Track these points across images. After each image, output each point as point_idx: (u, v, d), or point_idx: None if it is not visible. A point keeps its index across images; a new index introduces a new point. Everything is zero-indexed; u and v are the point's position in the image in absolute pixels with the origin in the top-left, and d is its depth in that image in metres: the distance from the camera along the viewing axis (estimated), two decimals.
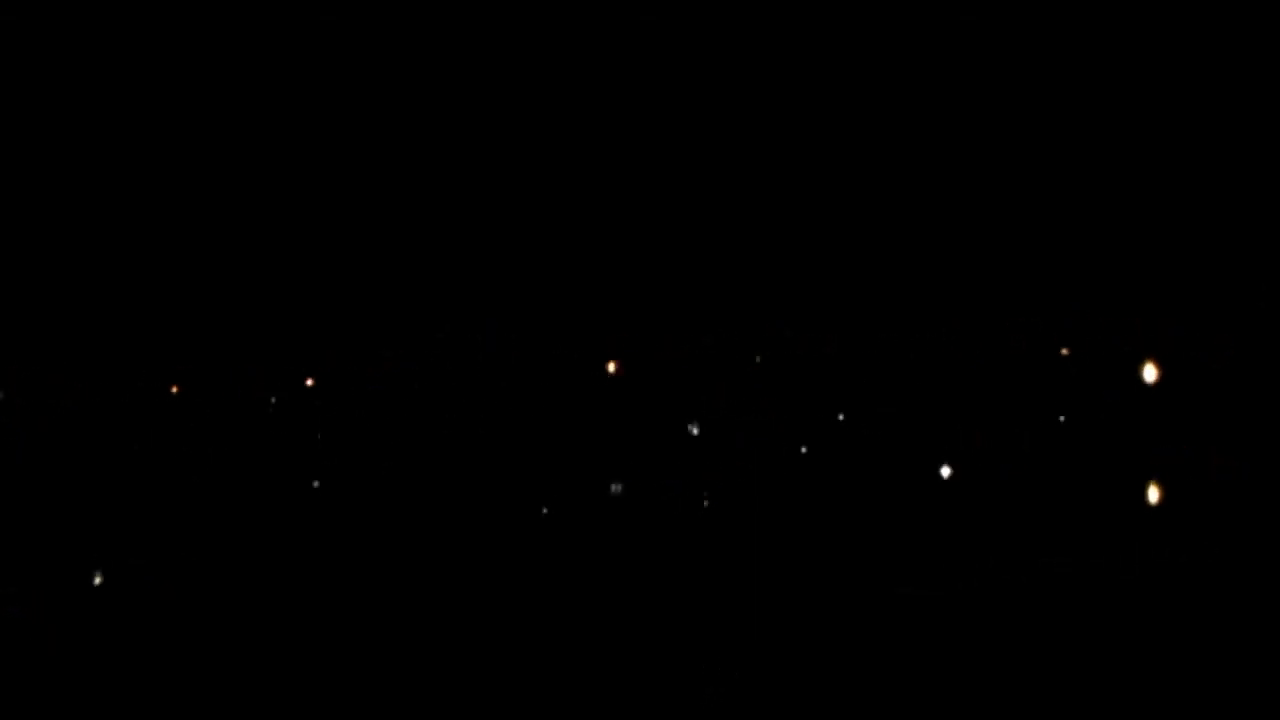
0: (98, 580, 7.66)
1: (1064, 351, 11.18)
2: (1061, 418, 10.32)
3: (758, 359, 11.53)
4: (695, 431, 10.93)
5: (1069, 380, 10.77)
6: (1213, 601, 6.34)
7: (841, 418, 10.71)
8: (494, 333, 11.22)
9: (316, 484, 10.57)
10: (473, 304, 11.05)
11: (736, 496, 9.25)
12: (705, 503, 9.20)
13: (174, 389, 11.36)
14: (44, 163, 9.83)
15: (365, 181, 10.86)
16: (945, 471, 9.27)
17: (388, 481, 10.56)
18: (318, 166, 10.65)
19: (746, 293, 11.26)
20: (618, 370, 10.53)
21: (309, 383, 11.48)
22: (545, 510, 9.26)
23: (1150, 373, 10.61)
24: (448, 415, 11.39)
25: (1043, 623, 6.21)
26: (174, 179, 10.37)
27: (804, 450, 10.19)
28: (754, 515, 8.75)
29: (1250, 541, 7.30)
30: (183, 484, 10.54)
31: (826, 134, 10.68)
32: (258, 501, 9.98)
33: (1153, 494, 8.45)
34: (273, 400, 11.54)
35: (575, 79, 10.39)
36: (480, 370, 11.49)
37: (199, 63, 9.77)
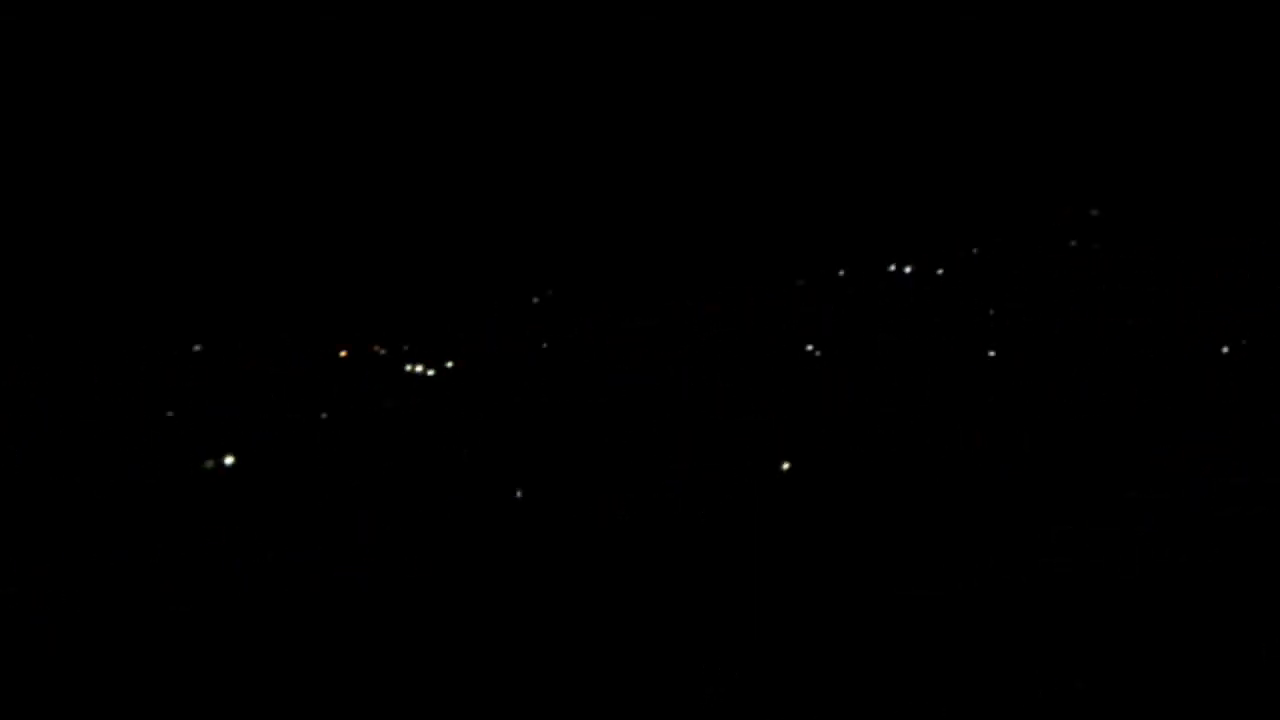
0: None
1: (1063, 350, 11.17)
2: (1060, 416, 10.30)
3: (754, 356, 11.53)
4: (693, 427, 10.91)
5: (1068, 379, 10.76)
6: (1213, 601, 6.34)
7: (838, 414, 10.69)
8: (494, 332, 11.21)
9: (315, 484, 10.54)
10: (471, 304, 11.04)
11: (735, 495, 9.24)
12: (704, 501, 9.19)
13: (172, 387, 11.35)
14: (47, 162, 9.82)
15: (364, 181, 10.85)
16: (944, 471, 9.26)
17: (386, 481, 10.54)
18: (315, 166, 10.65)
19: (745, 287, 11.26)
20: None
21: (302, 382, 11.47)
22: (543, 509, 9.25)
23: (1149, 371, 10.59)
24: (445, 415, 11.38)
25: (1043, 623, 6.20)
26: (174, 179, 10.37)
27: (801, 449, 10.18)
28: (753, 513, 8.75)
29: (1250, 541, 7.29)
30: (182, 484, 10.52)
31: (816, 131, 10.66)
32: (258, 501, 9.96)
33: (1152, 492, 8.44)
34: (272, 399, 11.52)
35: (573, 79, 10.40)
36: (478, 369, 11.47)
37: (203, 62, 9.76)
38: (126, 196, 9.55)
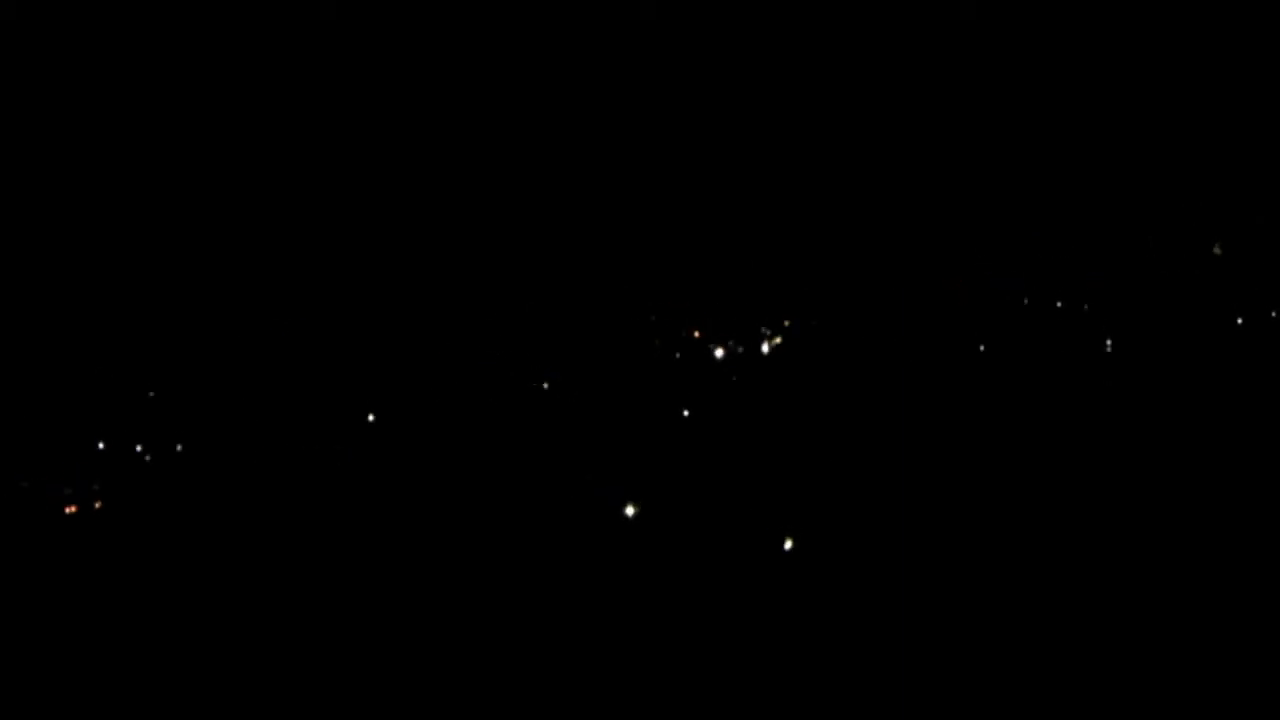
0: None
1: (1061, 350, 11.17)
2: (1060, 417, 10.30)
3: (751, 353, 11.52)
4: (693, 427, 10.90)
5: (1067, 380, 10.75)
6: (1212, 601, 6.35)
7: (837, 415, 10.68)
8: (493, 333, 11.19)
9: (313, 484, 10.55)
10: (470, 304, 11.02)
11: (734, 497, 9.24)
12: (702, 503, 9.18)
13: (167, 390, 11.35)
14: (50, 162, 9.80)
15: (363, 181, 10.83)
16: (945, 470, 9.25)
17: (385, 481, 10.53)
18: (315, 167, 10.62)
19: (743, 288, 11.24)
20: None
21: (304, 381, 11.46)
22: (543, 512, 9.24)
23: (1146, 371, 10.59)
24: (441, 415, 11.37)
25: (1043, 622, 6.21)
26: (177, 179, 10.35)
27: (800, 450, 10.17)
28: (752, 515, 8.73)
29: (1250, 541, 7.29)
30: (181, 484, 10.52)
31: (808, 133, 10.66)
32: (259, 502, 9.95)
33: (1152, 493, 8.44)
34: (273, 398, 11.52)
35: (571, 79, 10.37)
36: (476, 370, 11.46)
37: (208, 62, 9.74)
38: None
